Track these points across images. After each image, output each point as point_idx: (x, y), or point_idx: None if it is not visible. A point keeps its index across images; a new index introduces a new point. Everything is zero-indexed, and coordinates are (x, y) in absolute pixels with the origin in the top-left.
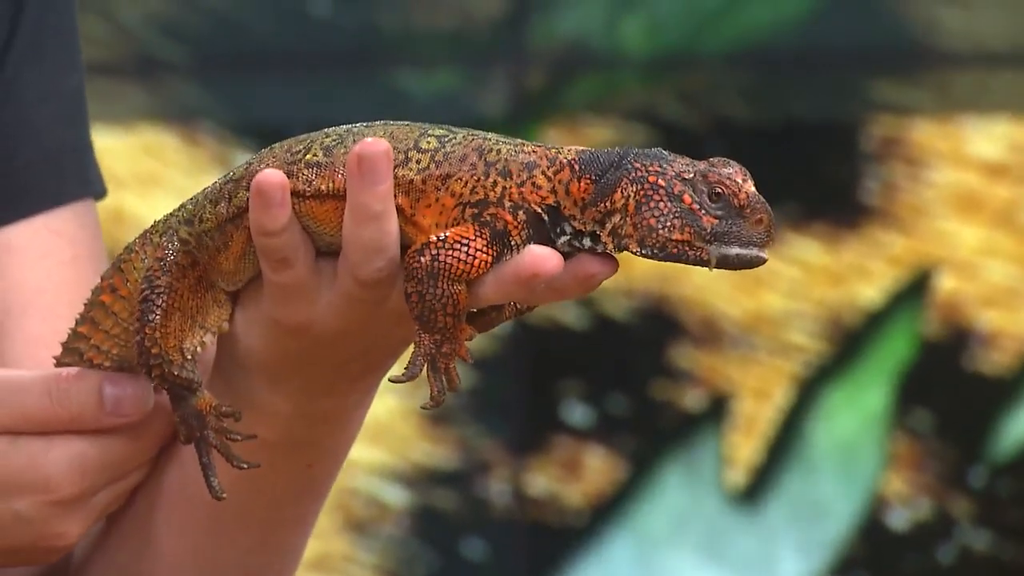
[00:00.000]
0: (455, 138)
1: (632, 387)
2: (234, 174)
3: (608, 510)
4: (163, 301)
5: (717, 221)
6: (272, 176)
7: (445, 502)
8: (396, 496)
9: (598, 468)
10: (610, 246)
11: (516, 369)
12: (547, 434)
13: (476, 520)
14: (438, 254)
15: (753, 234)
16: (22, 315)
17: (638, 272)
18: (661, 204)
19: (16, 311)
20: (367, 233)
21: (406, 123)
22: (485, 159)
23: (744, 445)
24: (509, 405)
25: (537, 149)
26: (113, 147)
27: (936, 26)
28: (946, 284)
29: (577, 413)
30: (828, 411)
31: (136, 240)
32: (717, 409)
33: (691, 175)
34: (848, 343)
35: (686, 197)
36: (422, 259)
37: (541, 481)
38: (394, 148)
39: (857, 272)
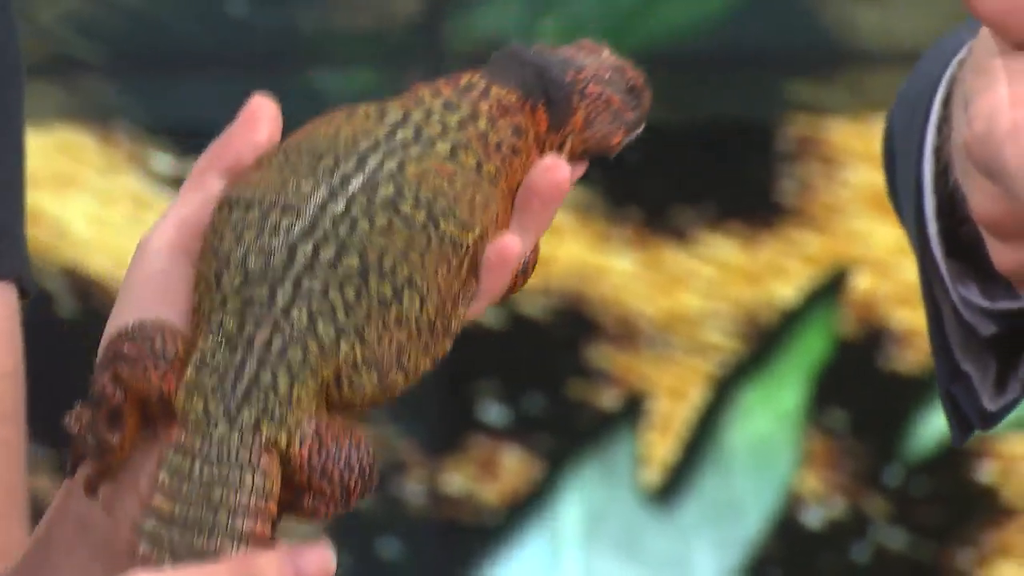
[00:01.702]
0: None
1: (548, 386)
2: None
3: (524, 509)
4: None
5: (633, 113)
6: None
7: (361, 502)
8: None
9: (514, 467)
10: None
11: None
12: (463, 433)
13: (391, 519)
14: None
15: (643, 113)
16: None
17: (555, 271)
18: (604, 114)
19: None
20: None
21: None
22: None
23: (660, 444)
24: (425, 404)
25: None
26: (29, 146)
27: (852, 26)
28: (861, 283)
29: (493, 412)
30: (743, 410)
31: None
32: (633, 408)
33: (608, 73)
34: (764, 342)
35: (614, 98)
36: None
37: (457, 480)
38: None
39: (773, 271)
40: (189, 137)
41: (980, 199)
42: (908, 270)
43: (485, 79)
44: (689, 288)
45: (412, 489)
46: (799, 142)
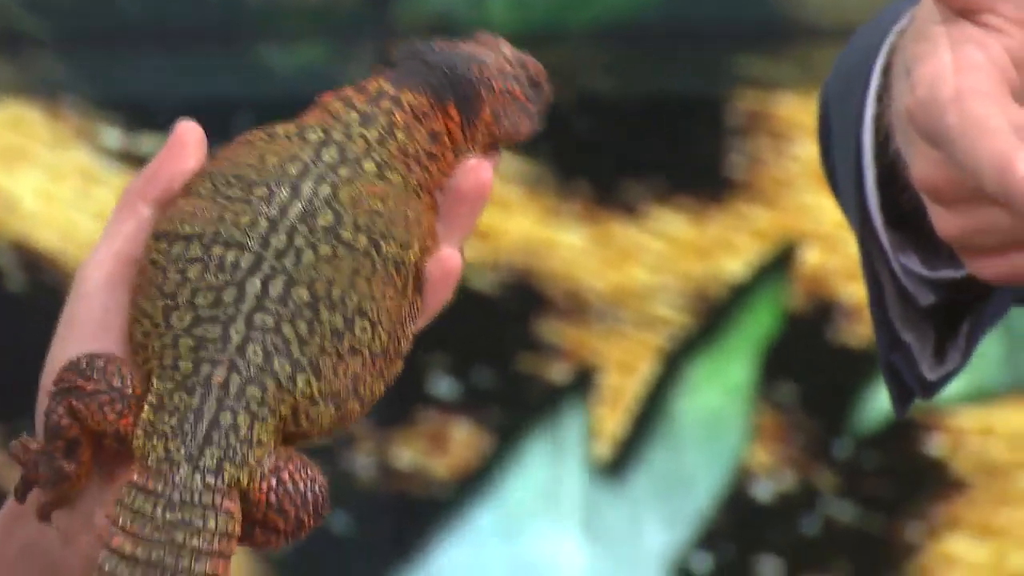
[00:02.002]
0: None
1: (498, 360)
2: None
3: (474, 483)
4: None
5: (535, 105)
6: None
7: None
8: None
9: (464, 441)
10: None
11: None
12: (412, 407)
13: (341, 494)
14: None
15: (545, 105)
16: None
17: (504, 245)
18: (510, 107)
19: None
20: None
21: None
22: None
23: (610, 418)
24: None
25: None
26: None
27: (800, 1)
28: (810, 258)
29: (443, 386)
30: (693, 384)
31: None
32: (583, 382)
33: (510, 67)
34: (713, 316)
35: (518, 91)
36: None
37: (407, 454)
38: None
39: (722, 246)
40: (138, 112)
41: (922, 166)
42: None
43: (394, 85)
44: (639, 262)
45: (362, 463)
46: (748, 117)
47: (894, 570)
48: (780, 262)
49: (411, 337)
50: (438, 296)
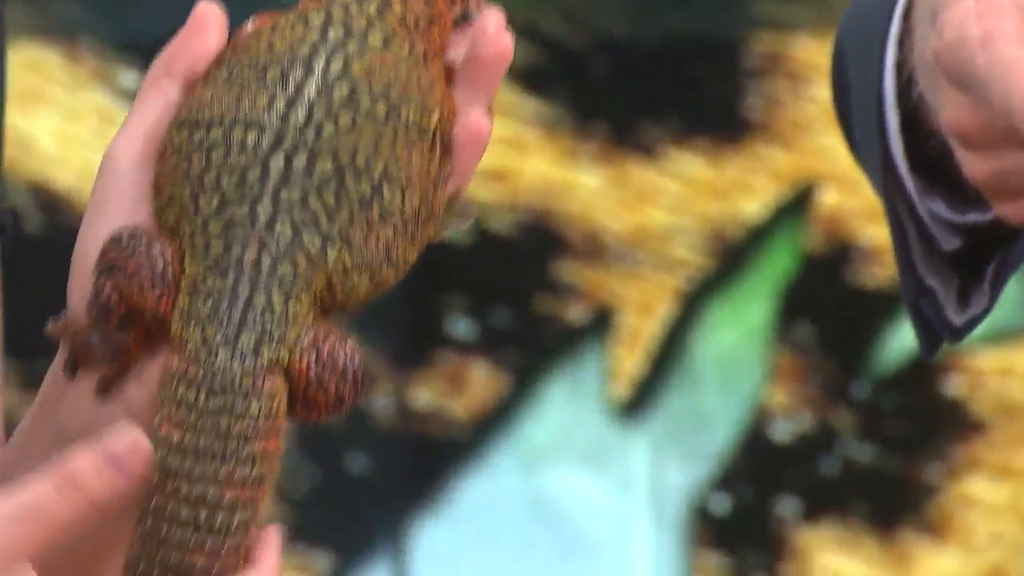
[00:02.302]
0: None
1: (515, 301)
2: None
3: (492, 424)
4: None
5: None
6: None
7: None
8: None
9: (482, 382)
10: None
11: (399, 283)
12: (430, 348)
13: (359, 434)
14: None
15: None
16: None
17: (521, 186)
18: None
19: None
20: None
21: None
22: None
23: (627, 359)
24: (392, 319)
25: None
26: None
27: None
28: (828, 199)
29: (461, 327)
30: (711, 325)
31: None
32: (600, 323)
33: None
34: (731, 257)
35: None
36: None
37: (425, 395)
38: None
39: (739, 187)
40: (155, 53)
41: (950, 110)
42: None
43: None
44: (656, 204)
45: (380, 403)
46: (765, 58)
47: (912, 511)
48: (798, 203)
49: (442, 201)
50: (468, 160)
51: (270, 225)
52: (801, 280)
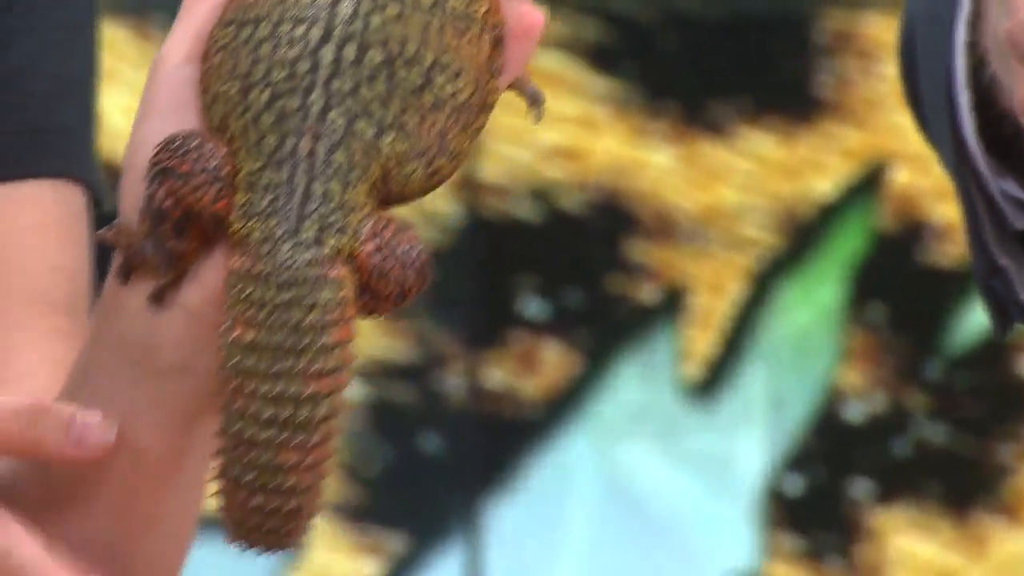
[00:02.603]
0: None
1: (587, 281)
2: None
3: (564, 404)
4: None
5: None
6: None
7: (401, 396)
8: (352, 390)
9: (554, 362)
10: None
11: (471, 263)
12: (503, 328)
13: (432, 414)
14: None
15: None
16: None
17: (592, 165)
18: None
19: None
20: None
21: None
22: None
23: (700, 339)
24: (464, 299)
25: None
26: None
27: None
28: (900, 178)
29: (533, 307)
30: (783, 305)
31: None
32: (672, 303)
33: None
34: (802, 237)
35: None
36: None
37: (497, 375)
38: None
39: (811, 166)
40: None
41: (1023, 90)
42: None
43: None
44: (727, 182)
45: (452, 383)
46: (835, 36)
47: (986, 492)
48: (869, 182)
49: (496, 90)
50: (521, 52)
51: (322, 115)
52: (873, 259)
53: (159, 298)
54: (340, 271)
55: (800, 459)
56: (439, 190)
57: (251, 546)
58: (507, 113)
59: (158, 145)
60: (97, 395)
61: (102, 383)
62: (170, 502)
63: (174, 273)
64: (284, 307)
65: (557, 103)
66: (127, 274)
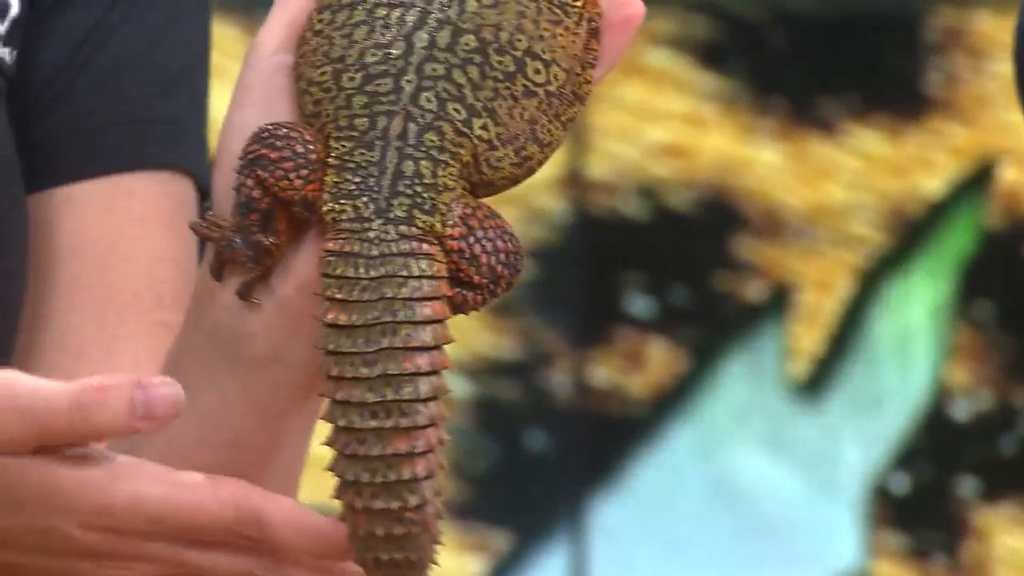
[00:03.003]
0: None
1: (694, 279)
2: None
3: (670, 402)
4: None
5: None
6: None
7: (507, 393)
8: (458, 387)
9: (660, 359)
10: None
11: (577, 260)
12: (609, 325)
13: (538, 411)
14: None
15: None
16: (69, 257)
17: (699, 163)
18: None
19: (64, 254)
20: None
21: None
22: None
23: (806, 336)
24: (571, 296)
25: None
26: None
27: None
28: (1009, 175)
29: (639, 304)
30: (890, 303)
31: None
32: (779, 301)
33: None
34: (910, 234)
35: None
36: None
37: (603, 372)
38: None
39: (919, 163)
40: None
41: None
42: None
43: None
44: (835, 180)
45: (558, 381)
46: (945, 33)
47: None
48: (977, 180)
49: (590, 80)
50: (617, 43)
51: (415, 97)
52: (980, 257)
53: (247, 292)
54: (431, 247)
55: (906, 457)
56: (546, 187)
57: (379, 570)
58: (614, 110)
59: (248, 138)
60: (189, 385)
61: (194, 373)
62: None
63: (262, 267)
64: (377, 283)
65: (665, 100)
66: (220, 268)
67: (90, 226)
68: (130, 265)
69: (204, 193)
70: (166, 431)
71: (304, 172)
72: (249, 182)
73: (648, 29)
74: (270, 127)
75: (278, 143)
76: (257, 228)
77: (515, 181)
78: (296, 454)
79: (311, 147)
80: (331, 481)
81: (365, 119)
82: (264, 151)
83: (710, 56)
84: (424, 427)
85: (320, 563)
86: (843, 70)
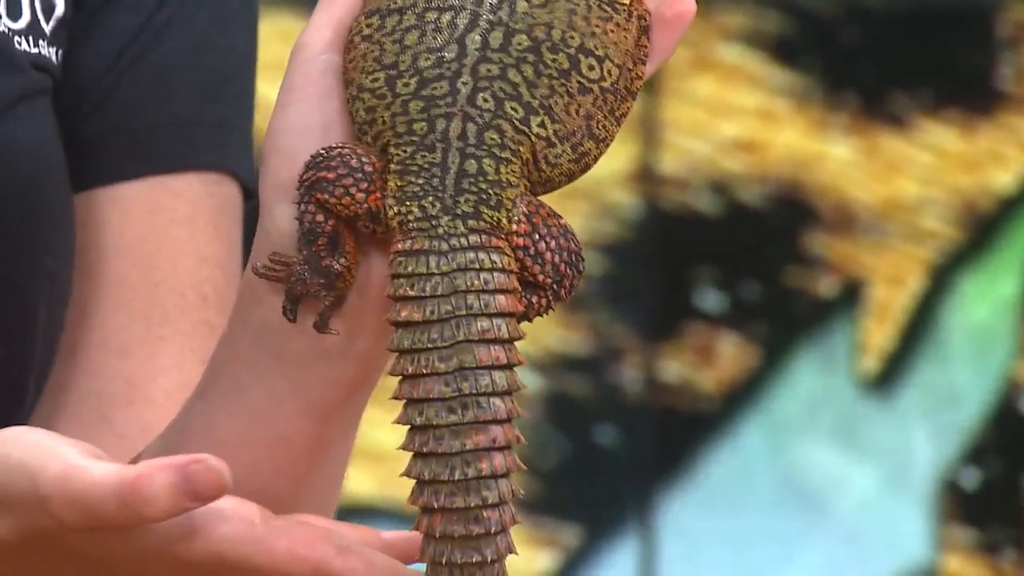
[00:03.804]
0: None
1: (765, 274)
2: None
3: (740, 397)
4: None
5: None
6: None
7: (578, 388)
8: (529, 382)
9: (731, 354)
10: None
11: (648, 255)
12: (680, 320)
13: (608, 406)
14: None
15: None
16: (115, 257)
17: (771, 158)
18: None
19: (109, 254)
20: None
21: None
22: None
23: (877, 332)
24: (642, 291)
25: None
26: None
27: None
28: None
29: (710, 299)
30: (962, 298)
31: None
32: (850, 296)
33: None
34: (982, 230)
35: None
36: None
37: (673, 367)
38: None
39: (992, 158)
40: None
41: None
42: None
43: None
44: (907, 175)
45: (628, 376)
46: (1018, 28)
47: None
48: None
49: (641, 76)
50: (668, 39)
51: (471, 98)
52: None
53: (324, 324)
54: (499, 241)
55: (976, 452)
56: (618, 182)
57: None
58: (686, 105)
59: (303, 166)
60: (235, 384)
61: (240, 373)
62: (311, 487)
63: (335, 293)
64: (450, 278)
65: (737, 95)
66: (295, 306)
67: (136, 226)
68: (175, 266)
69: (248, 195)
70: (214, 430)
71: (364, 184)
72: (311, 208)
73: (720, 24)
74: (321, 151)
75: (332, 163)
76: (325, 253)
77: (572, 177)
78: (341, 453)
79: (365, 159)
80: (407, 487)
81: (423, 123)
82: (321, 174)
83: (782, 51)
84: (502, 421)
85: None
86: (915, 65)
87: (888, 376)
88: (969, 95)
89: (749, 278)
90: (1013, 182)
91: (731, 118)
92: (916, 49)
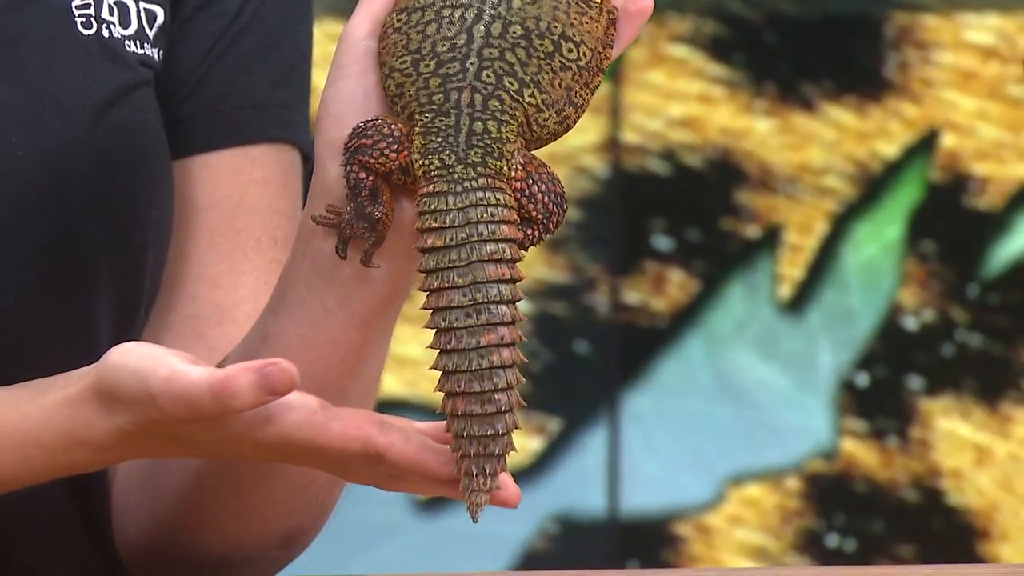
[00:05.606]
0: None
1: (704, 222)
2: None
3: (685, 317)
4: None
5: None
6: None
7: (558, 310)
8: (522, 306)
9: (678, 284)
10: None
11: (613, 208)
12: (638, 258)
13: (583, 324)
14: None
15: None
16: (205, 210)
17: (710, 132)
18: None
19: (201, 207)
20: None
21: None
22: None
23: (791, 267)
24: (608, 236)
25: None
26: None
27: None
28: (949, 142)
29: (662, 242)
30: (856, 241)
31: None
32: (770, 239)
33: None
34: (872, 188)
35: None
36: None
37: (634, 295)
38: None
39: (880, 132)
40: None
41: None
42: (985, 131)
43: None
44: (814, 145)
45: (599, 301)
46: (900, 32)
47: (1013, 387)
48: (925, 145)
49: (609, 57)
50: (631, 28)
51: (478, 75)
52: (926, 205)
53: (368, 259)
54: (502, 183)
55: (868, 359)
56: (589, 151)
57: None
58: (643, 91)
59: (347, 137)
60: (297, 300)
61: (300, 291)
62: (355, 380)
63: (376, 235)
64: (464, 212)
65: (683, 84)
66: (344, 245)
67: (222, 186)
68: (253, 216)
69: (306, 159)
70: (281, 337)
71: (395, 146)
72: (355, 168)
73: (670, 28)
74: (360, 124)
75: (369, 131)
76: (368, 203)
77: (556, 136)
78: (379, 355)
79: (394, 127)
80: (433, 378)
81: (440, 95)
82: (362, 141)
83: (718, 50)
84: (507, 323)
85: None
86: (821, 61)
87: (799, 301)
88: (863, 84)
89: (692, 225)
90: (897, 151)
91: (678, 101)
92: (822, 48)
